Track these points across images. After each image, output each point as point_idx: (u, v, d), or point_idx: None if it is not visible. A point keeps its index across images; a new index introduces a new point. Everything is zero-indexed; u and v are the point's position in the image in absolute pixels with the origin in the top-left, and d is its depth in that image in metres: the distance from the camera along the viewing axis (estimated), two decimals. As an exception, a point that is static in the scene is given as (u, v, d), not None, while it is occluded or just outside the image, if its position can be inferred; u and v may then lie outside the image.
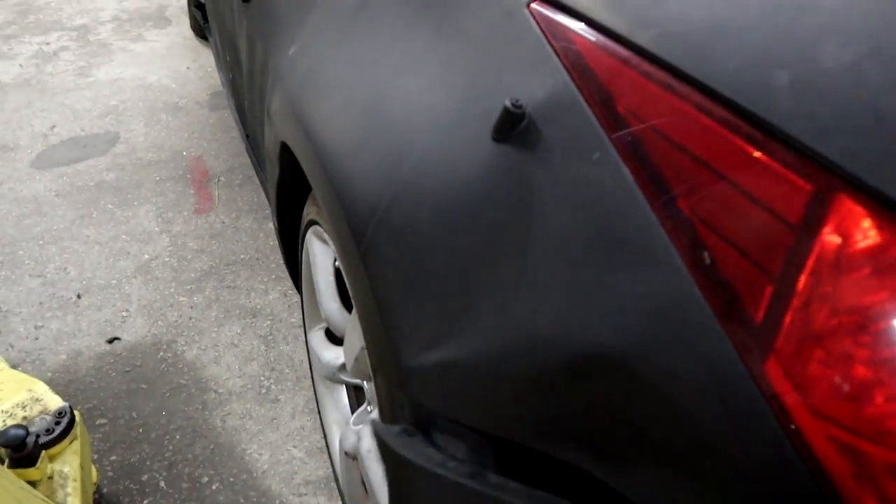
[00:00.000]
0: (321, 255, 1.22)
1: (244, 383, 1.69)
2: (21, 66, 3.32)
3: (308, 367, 1.69)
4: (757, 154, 0.57)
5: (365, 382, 1.23)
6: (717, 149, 0.59)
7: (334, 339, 1.39)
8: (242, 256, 2.09)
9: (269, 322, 1.86)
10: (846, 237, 0.53)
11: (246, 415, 1.61)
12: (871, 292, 0.52)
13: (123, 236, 2.16)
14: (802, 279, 0.54)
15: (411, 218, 0.76)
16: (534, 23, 0.72)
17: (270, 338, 1.81)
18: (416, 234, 0.76)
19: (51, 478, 1.25)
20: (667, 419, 0.58)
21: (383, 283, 0.79)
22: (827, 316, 0.53)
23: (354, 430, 1.22)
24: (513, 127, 0.69)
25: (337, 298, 1.22)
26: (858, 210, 0.53)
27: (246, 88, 1.63)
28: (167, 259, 2.07)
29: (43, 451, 1.24)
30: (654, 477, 0.60)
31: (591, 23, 0.68)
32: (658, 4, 0.66)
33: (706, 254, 0.57)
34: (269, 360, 1.74)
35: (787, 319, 0.54)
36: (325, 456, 1.52)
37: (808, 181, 0.54)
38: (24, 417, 1.31)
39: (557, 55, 0.69)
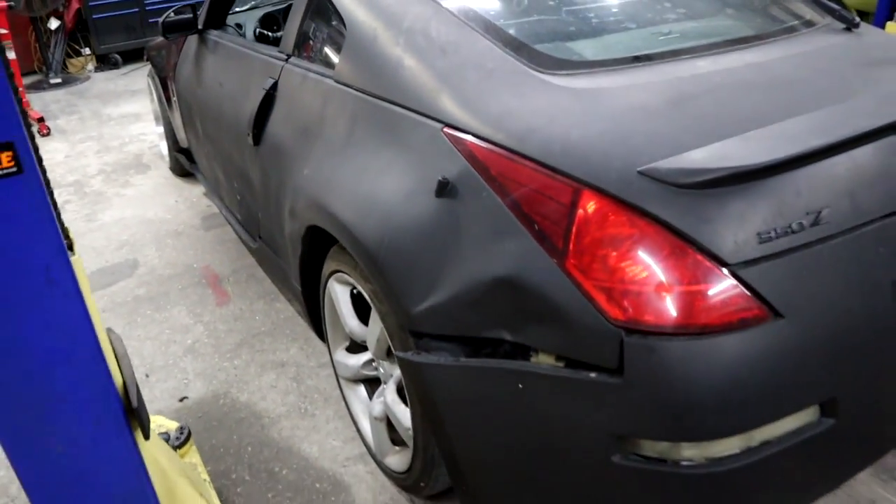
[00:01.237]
0: (341, 292, 1.94)
1: (287, 409, 2.35)
2: (35, 221, 3.98)
3: (333, 386, 2.37)
4: (551, 180, 1.33)
5: (381, 366, 1.92)
6: (535, 180, 1.35)
7: (353, 351, 2.09)
8: (263, 329, 2.77)
9: (294, 368, 2.54)
10: (587, 208, 1.30)
11: (294, 427, 2.27)
12: (599, 230, 1.28)
13: (167, 331, 2.82)
14: (574, 228, 1.30)
15: (401, 241, 1.51)
16: (445, 138, 1.49)
17: (299, 377, 2.48)
18: (404, 248, 1.50)
19: (188, 465, 1.90)
20: (535, 301, 1.32)
21: (393, 277, 1.52)
22: (586, 241, 1.28)
23: (379, 400, 1.92)
24: (444, 189, 1.44)
25: (355, 317, 1.93)
26: (592, 196, 1.29)
27: (261, 202, 2.37)
28: (206, 340, 2.74)
29: (177, 450, 1.89)
30: (535, 328, 1.34)
31: (473, 135, 1.45)
32: (502, 122, 1.44)
33: (536, 226, 1.32)
34: (302, 391, 2.42)
35: (571, 245, 1.29)
36: (357, 441, 2.18)
37: (570, 187, 1.31)
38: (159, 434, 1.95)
39: (459, 152, 1.45)
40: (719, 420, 1.23)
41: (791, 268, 1.27)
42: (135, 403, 1.41)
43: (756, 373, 1.23)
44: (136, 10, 6.85)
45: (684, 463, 1.26)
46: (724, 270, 1.23)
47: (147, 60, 4.20)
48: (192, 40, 3.16)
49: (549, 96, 1.48)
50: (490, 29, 1.68)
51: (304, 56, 2.13)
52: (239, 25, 3.31)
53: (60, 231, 1.24)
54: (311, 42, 2.12)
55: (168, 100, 3.75)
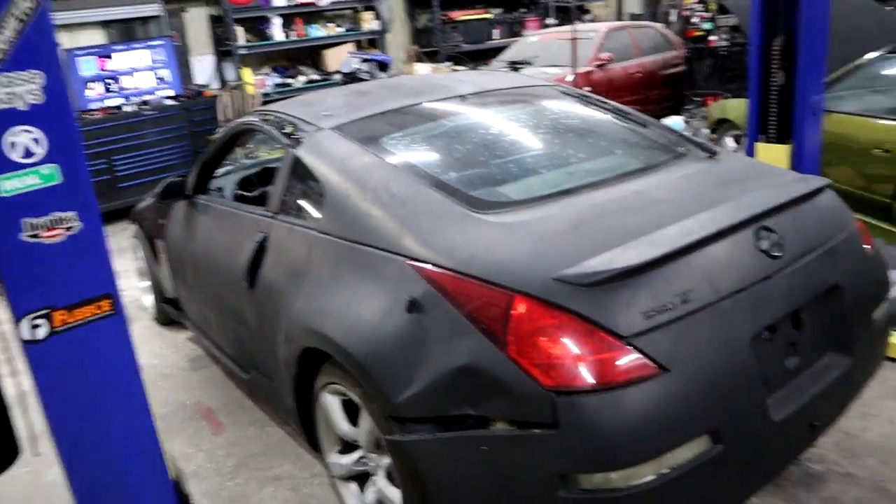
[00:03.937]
0: (333, 401, 2.35)
1: (289, 515, 2.67)
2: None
3: (325, 491, 2.72)
4: (491, 291, 1.82)
5: (370, 460, 2.30)
6: (479, 293, 1.83)
7: (345, 452, 2.47)
8: (257, 450, 3.11)
9: (290, 480, 2.87)
10: (518, 309, 1.78)
11: (298, 529, 2.59)
12: (529, 323, 1.76)
13: (172, 461, 3.13)
14: (511, 324, 1.77)
15: (383, 349, 1.95)
16: (409, 268, 1.98)
17: (295, 487, 2.82)
18: (386, 355, 1.94)
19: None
20: (488, 381, 1.77)
21: (379, 377, 1.95)
22: (520, 332, 1.76)
23: (371, 489, 2.29)
24: (413, 306, 1.91)
25: (346, 421, 2.33)
26: (521, 301, 1.78)
27: (255, 336, 2.78)
28: (208, 465, 3.06)
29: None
30: (491, 402, 1.77)
31: (429, 262, 1.94)
32: (451, 252, 1.94)
33: (483, 326, 1.79)
34: (300, 499, 2.75)
35: (510, 337, 1.76)
36: (354, 533, 2.51)
37: (505, 295, 1.79)
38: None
39: (422, 278, 1.94)
40: (631, 451, 1.67)
41: (670, 335, 1.75)
42: (186, 489, 1.78)
43: (654, 413, 1.69)
44: (108, 177, 7.40)
45: (613, 489, 1.68)
46: (622, 342, 1.71)
47: (132, 223, 4.67)
48: (181, 204, 3.66)
49: (483, 230, 1.99)
50: (436, 183, 2.22)
51: (289, 213, 2.63)
52: (219, 189, 3.83)
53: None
54: (293, 201, 2.63)
55: (156, 256, 4.20)
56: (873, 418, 2.81)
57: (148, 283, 4.62)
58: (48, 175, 1.66)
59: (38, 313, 1.64)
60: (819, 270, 2.13)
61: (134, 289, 5.48)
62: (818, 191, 2.29)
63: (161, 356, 4.28)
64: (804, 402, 1.99)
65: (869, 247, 2.36)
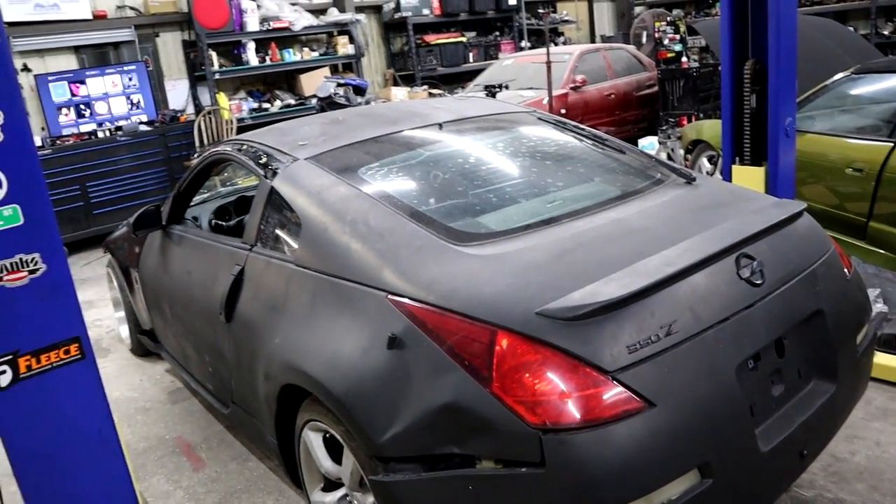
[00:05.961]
0: (315, 438, 2.30)
1: (271, 554, 2.61)
2: None
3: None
4: (473, 327, 1.79)
5: (354, 499, 2.25)
6: (461, 328, 1.81)
7: (328, 490, 2.41)
8: (239, 486, 3.04)
9: (272, 518, 2.81)
10: (502, 345, 1.75)
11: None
12: (513, 359, 1.73)
13: (150, 499, 3.05)
14: (494, 360, 1.74)
15: (364, 387, 1.92)
16: (389, 303, 1.95)
17: (277, 525, 2.76)
18: (367, 392, 1.91)
19: None
20: (472, 419, 1.73)
21: (360, 416, 1.91)
22: (504, 369, 1.73)
23: (356, 525, 2.24)
24: (393, 343, 1.88)
25: (329, 458, 2.28)
26: (505, 335, 1.75)
27: (234, 371, 2.73)
28: (188, 503, 2.98)
29: None
30: (476, 440, 1.74)
31: (411, 298, 1.91)
32: (432, 287, 1.91)
33: (466, 362, 1.76)
34: (282, 537, 2.68)
35: (494, 373, 1.73)
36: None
37: (488, 330, 1.77)
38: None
39: (402, 313, 1.90)
40: (620, 489, 1.64)
41: (656, 368, 1.74)
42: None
43: (642, 449, 1.67)
44: (81, 203, 7.29)
45: (602, 528, 1.65)
46: (607, 377, 1.69)
47: (106, 252, 4.59)
48: (155, 234, 3.60)
49: (465, 263, 1.97)
50: (415, 214, 2.20)
51: (266, 245, 2.59)
52: (195, 218, 3.78)
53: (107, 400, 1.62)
54: (270, 233, 2.59)
55: (130, 287, 4.12)
56: (860, 441, 2.81)
57: (122, 314, 4.54)
58: (9, 217, 1.62)
59: (2, 359, 1.58)
60: (800, 296, 2.13)
61: (110, 318, 5.39)
62: (796, 216, 2.30)
63: (140, 389, 4.19)
64: (792, 431, 1.97)
65: (848, 270, 2.37)
